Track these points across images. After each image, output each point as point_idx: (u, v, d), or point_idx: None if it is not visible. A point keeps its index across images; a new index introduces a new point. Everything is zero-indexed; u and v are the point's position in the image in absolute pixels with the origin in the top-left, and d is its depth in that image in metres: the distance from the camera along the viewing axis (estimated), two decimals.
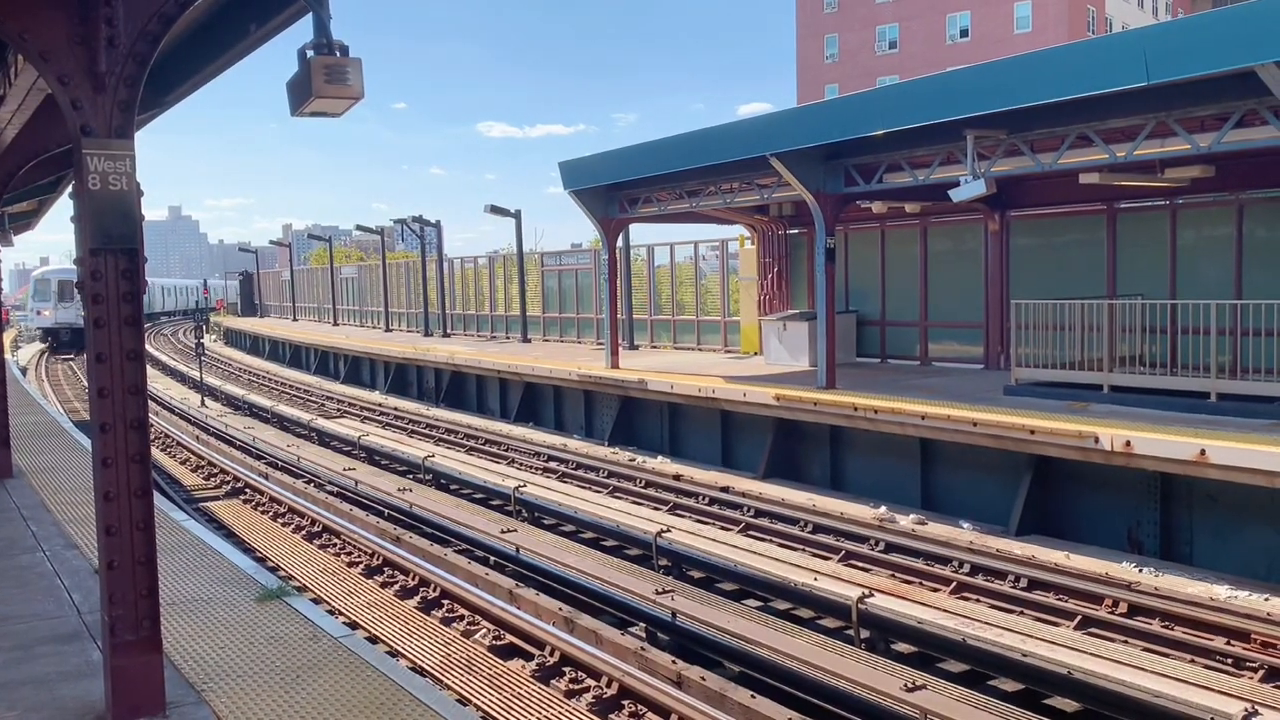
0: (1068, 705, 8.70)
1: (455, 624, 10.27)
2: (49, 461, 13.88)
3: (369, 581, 11.76)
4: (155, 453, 19.95)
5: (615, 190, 22.44)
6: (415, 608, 10.77)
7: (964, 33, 63.49)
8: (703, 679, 8.45)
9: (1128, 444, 11.85)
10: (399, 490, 16.09)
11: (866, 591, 10.32)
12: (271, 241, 77.69)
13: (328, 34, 6.05)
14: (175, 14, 5.18)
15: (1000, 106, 13.52)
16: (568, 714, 7.99)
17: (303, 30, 9.24)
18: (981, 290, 19.55)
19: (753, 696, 8.09)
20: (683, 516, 14.71)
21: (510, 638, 9.81)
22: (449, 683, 8.52)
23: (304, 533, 14.23)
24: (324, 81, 5.92)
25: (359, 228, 48.72)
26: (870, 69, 65.39)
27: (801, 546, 13.04)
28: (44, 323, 56.35)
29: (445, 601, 10.91)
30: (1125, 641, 9.47)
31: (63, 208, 27.85)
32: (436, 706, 5.68)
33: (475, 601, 10.63)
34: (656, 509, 15.22)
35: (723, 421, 19.15)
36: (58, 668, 6.32)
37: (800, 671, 8.73)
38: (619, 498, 16.13)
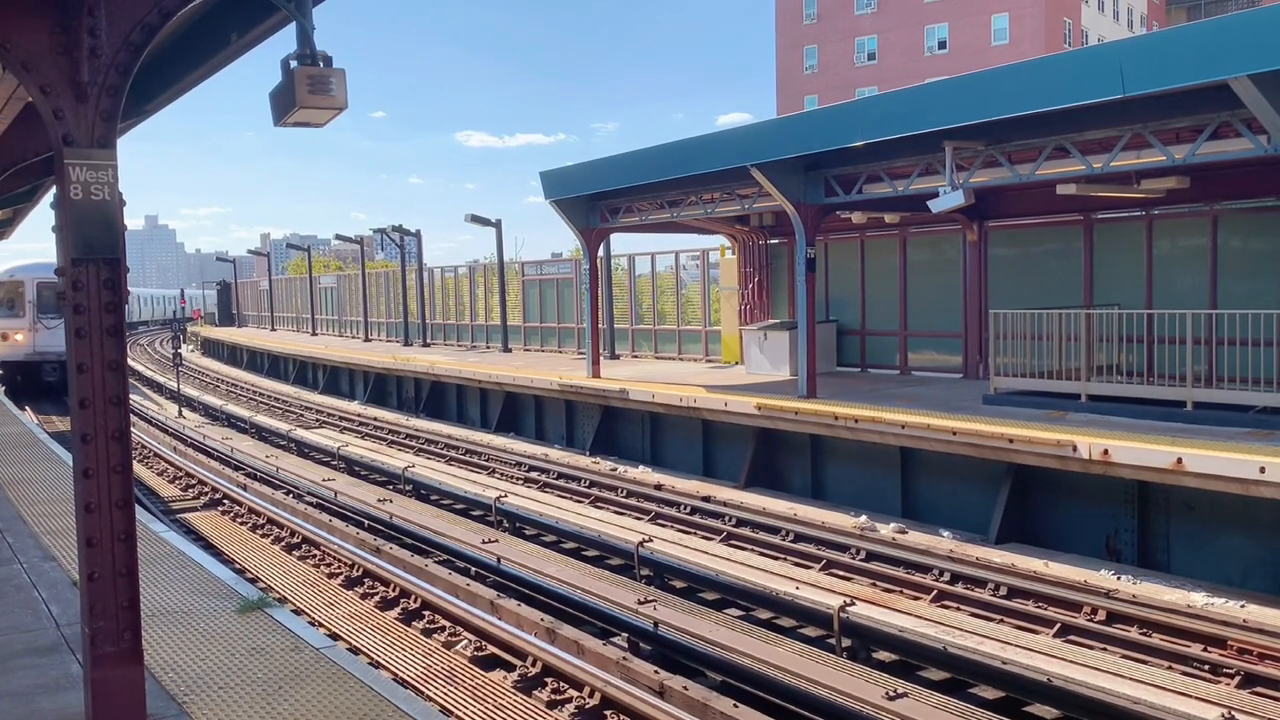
0: (1047, 713, 8.75)
1: (437, 635, 10.24)
2: (25, 473, 13.75)
3: (349, 593, 11.71)
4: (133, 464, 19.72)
5: (596, 200, 22.48)
6: (396, 619, 10.74)
7: (942, 44, 63.96)
8: (685, 689, 8.45)
9: (1105, 452, 11.96)
10: (379, 501, 16.03)
11: (848, 600, 10.36)
12: (249, 251, 77.37)
13: (311, 44, 6.07)
14: (158, 24, 5.17)
15: (978, 118, 13.63)
16: None
17: (284, 40, 9.24)
18: (960, 300, 19.68)
19: (735, 706, 8.10)
20: (664, 526, 14.73)
21: (492, 648, 9.79)
22: (431, 694, 8.50)
23: (283, 544, 14.15)
24: (307, 92, 5.93)
25: (338, 237, 48.53)
26: (849, 80, 65.77)
27: (783, 555, 13.08)
28: (15, 353, 33.41)
29: (426, 612, 10.88)
30: (1104, 649, 9.55)
31: (39, 217, 27.70)
32: (420, 717, 5.67)
33: (456, 612, 10.60)
34: (638, 519, 15.23)
35: (704, 431, 19.18)
36: (36, 680, 6.27)
37: (782, 680, 8.76)
38: (600, 507, 16.13)
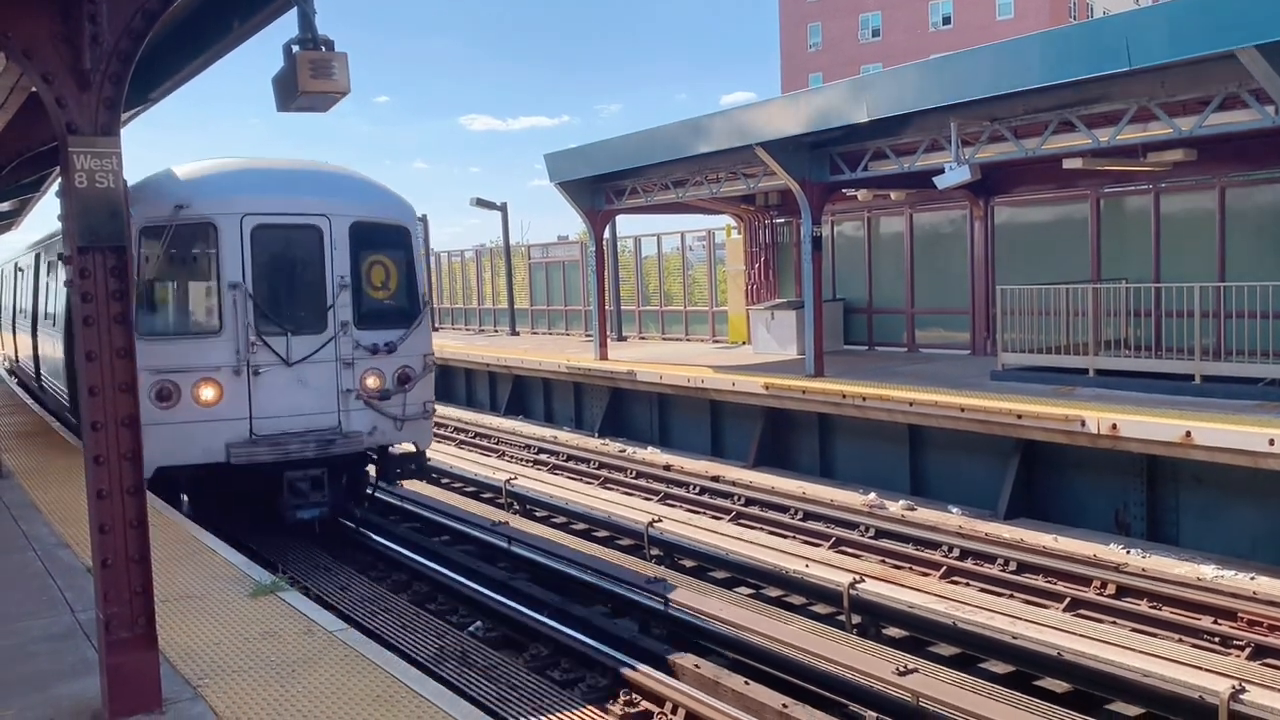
0: (1058, 686, 8.78)
1: (449, 617, 10.30)
2: (38, 461, 13.82)
3: (362, 576, 11.76)
4: None
5: (601, 182, 22.43)
6: (409, 601, 10.79)
7: (946, 20, 63.57)
8: (696, 666, 8.50)
9: (1114, 427, 11.94)
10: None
11: (857, 577, 10.39)
12: None
13: (313, 29, 6.07)
14: (159, 10, 5.16)
15: (983, 93, 13.56)
16: (564, 703, 8.02)
17: (287, 25, 9.23)
18: (967, 276, 19.63)
19: (746, 683, 8.14)
20: (674, 506, 14.77)
21: (504, 629, 9.85)
22: (444, 675, 8.55)
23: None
24: (310, 76, 5.93)
25: None
26: (854, 57, 65.42)
27: (792, 534, 13.11)
28: (195, 440, 10.87)
29: (439, 595, 10.93)
30: (1114, 622, 9.57)
31: (45, 207, 26.92)
32: (433, 698, 5.70)
33: (468, 594, 10.66)
34: (647, 499, 15.27)
35: (712, 411, 19.19)
36: (52, 666, 6.32)
37: (793, 657, 8.79)
38: (610, 489, 16.17)
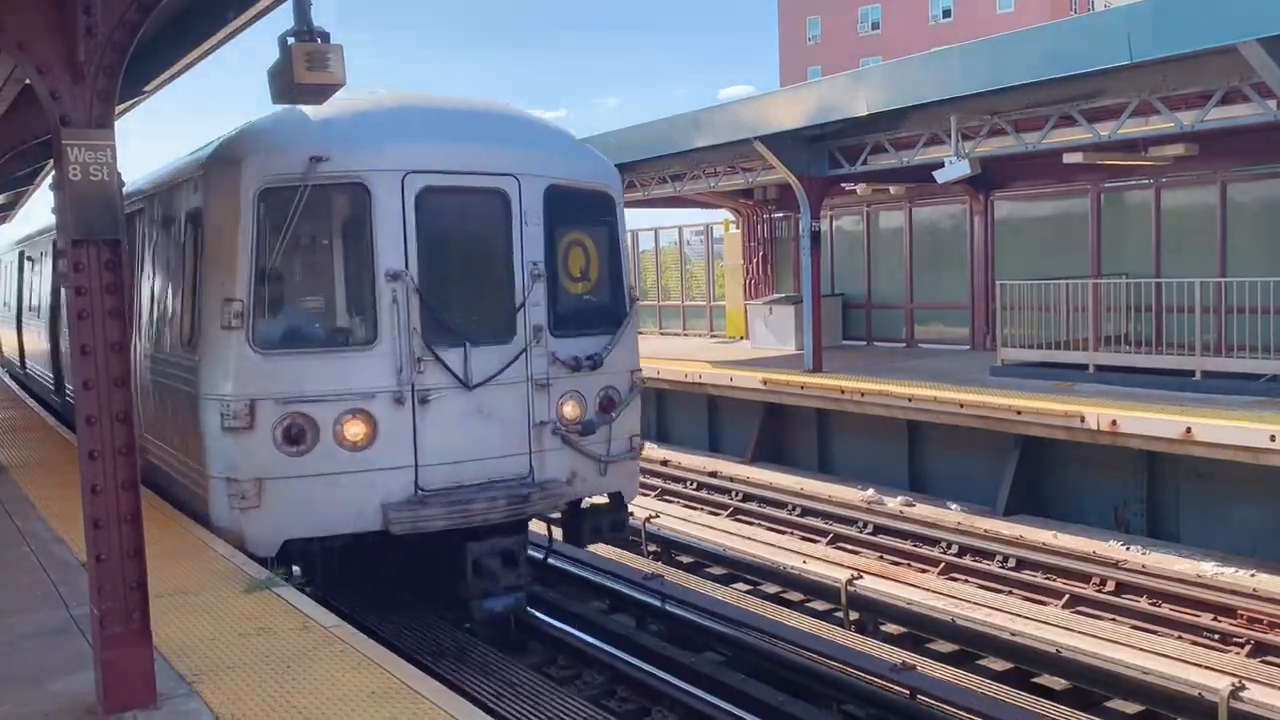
0: (1057, 683, 8.76)
1: (447, 613, 10.25)
2: (32, 456, 13.78)
3: (358, 572, 11.72)
4: None
5: None
6: (406, 598, 10.76)
7: (946, 13, 63.48)
8: (694, 663, 8.47)
9: (1114, 423, 11.91)
10: None
11: (855, 573, 10.38)
12: None
13: (308, 20, 6.02)
14: (153, 2, 5.12)
15: (983, 87, 13.52)
16: (561, 700, 7.99)
17: (283, 17, 9.16)
18: (967, 272, 19.58)
19: (744, 679, 8.11)
20: (671, 502, 14.75)
21: None
22: (441, 671, 8.52)
23: None
24: (305, 69, 5.88)
25: None
26: (853, 51, 65.30)
27: (790, 530, 13.09)
28: (346, 500, 7.81)
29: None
30: (1113, 619, 9.56)
31: (39, 200, 26.56)
32: (430, 695, 5.67)
33: None
34: (645, 495, 15.23)
35: (709, 406, 19.16)
36: (47, 662, 6.28)
37: (791, 654, 8.76)
38: None
